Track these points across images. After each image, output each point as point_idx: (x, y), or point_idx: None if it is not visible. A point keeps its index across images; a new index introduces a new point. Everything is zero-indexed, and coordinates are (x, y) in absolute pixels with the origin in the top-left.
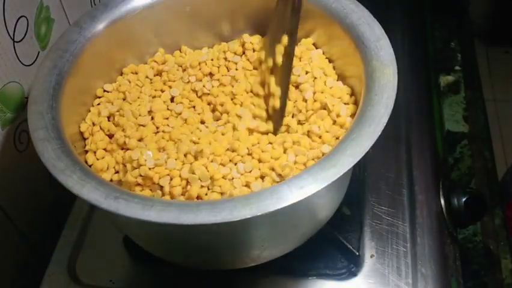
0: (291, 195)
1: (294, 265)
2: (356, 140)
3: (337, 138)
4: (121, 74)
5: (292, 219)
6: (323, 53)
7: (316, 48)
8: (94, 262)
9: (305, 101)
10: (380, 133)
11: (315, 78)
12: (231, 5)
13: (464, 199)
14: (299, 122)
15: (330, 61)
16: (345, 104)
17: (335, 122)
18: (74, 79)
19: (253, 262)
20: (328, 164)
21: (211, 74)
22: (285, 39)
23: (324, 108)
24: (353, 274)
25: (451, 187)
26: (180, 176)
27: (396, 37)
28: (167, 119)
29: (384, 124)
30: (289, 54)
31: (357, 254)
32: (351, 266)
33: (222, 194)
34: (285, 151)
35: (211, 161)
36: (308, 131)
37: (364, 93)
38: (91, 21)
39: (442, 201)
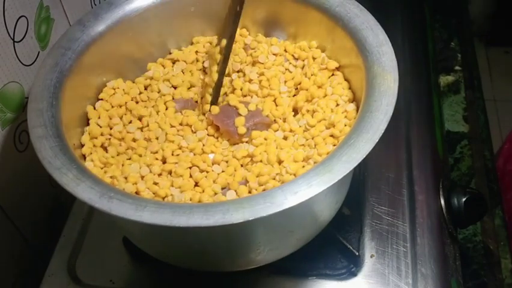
0: (285, 200)
1: (294, 265)
2: (353, 146)
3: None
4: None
5: (288, 224)
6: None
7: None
8: (94, 262)
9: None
10: (377, 140)
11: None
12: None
13: (464, 199)
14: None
15: None
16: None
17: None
18: (76, 77)
19: (249, 265)
20: (324, 169)
21: None
22: (223, 42)
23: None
24: (353, 274)
25: (451, 187)
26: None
27: (397, 37)
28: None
29: (383, 131)
30: (225, 57)
31: (357, 254)
32: (351, 266)
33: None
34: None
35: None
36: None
37: (364, 98)
38: (95, 20)
39: (442, 201)
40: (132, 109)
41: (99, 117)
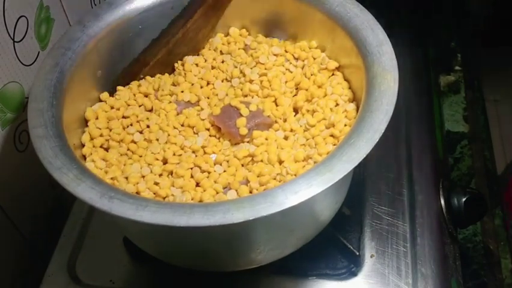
0: (286, 200)
1: (294, 265)
2: (354, 145)
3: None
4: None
5: (288, 223)
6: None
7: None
8: (94, 262)
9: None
10: (377, 140)
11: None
12: (239, 6)
13: (464, 199)
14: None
15: None
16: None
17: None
18: (76, 77)
19: (250, 265)
20: (324, 169)
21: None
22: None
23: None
24: (353, 274)
25: (451, 187)
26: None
27: (396, 37)
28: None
29: (383, 131)
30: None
31: (357, 254)
32: (351, 266)
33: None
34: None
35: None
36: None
37: (364, 98)
38: (95, 20)
39: (442, 201)
40: (132, 111)
41: (97, 118)
